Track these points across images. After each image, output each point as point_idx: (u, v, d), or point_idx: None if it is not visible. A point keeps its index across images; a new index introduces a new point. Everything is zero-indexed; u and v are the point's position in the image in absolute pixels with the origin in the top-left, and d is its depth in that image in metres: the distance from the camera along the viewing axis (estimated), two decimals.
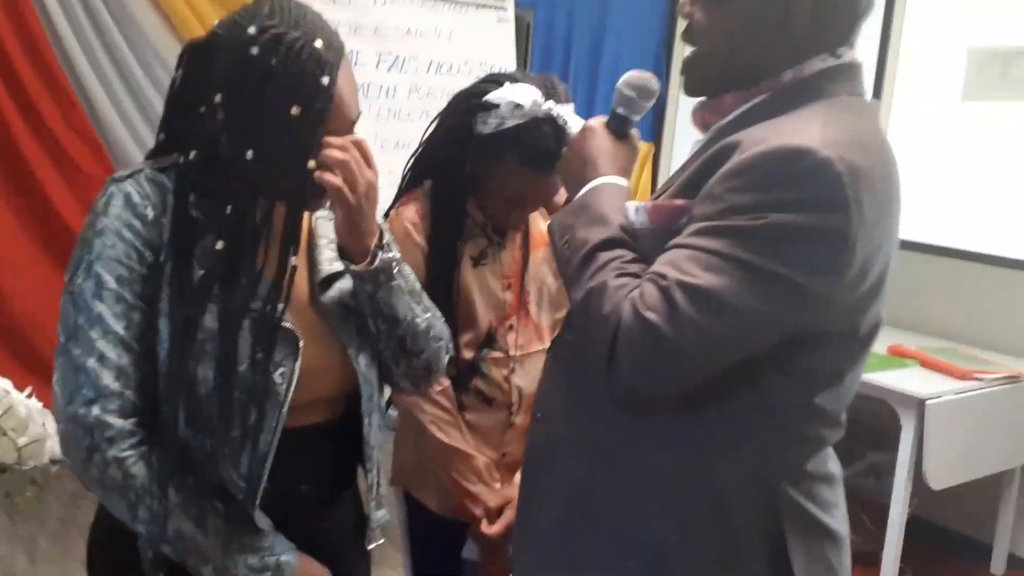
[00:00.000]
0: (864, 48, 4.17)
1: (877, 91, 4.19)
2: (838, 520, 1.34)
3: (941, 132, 3.98)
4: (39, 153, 3.89)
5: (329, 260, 1.42)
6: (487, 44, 3.44)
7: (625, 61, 4.89)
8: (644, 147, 4.96)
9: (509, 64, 3.43)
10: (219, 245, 1.25)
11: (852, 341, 1.25)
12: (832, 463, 1.36)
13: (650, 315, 1.12)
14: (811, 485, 1.30)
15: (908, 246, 3.87)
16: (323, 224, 1.45)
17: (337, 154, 1.27)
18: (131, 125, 3.94)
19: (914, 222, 4.00)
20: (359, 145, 1.31)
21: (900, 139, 4.19)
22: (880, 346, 3.49)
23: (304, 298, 1.39)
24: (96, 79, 3.94)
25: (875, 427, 3.62)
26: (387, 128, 3.23)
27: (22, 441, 1.49)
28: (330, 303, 1.40)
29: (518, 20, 4.16)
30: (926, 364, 3.42)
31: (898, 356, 3.52)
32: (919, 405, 3.11)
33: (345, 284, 1.41)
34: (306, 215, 1.41)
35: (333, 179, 1.27)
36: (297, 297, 1.36)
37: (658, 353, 1.13)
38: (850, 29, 1.27)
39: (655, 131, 5.05)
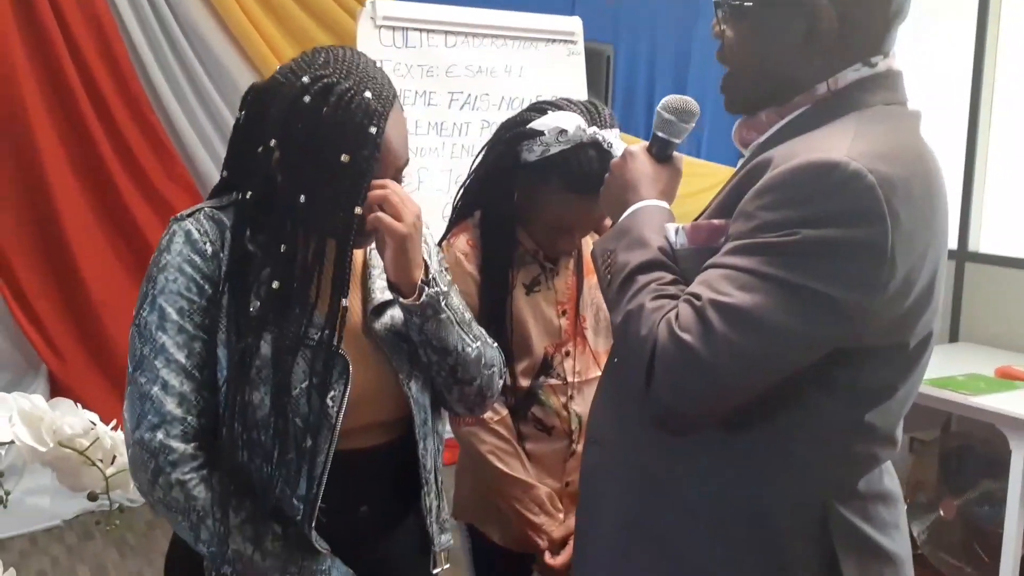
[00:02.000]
0: (959, 55, 4.03)
1: (975, 101, 4.04)
2: (898, 542, 1.30)
3: None
4: (140, 202, 4.14)
5: (382, 289, 1.46)
6: (557, 78, 3.46)
7: (711, 91, 4.83)
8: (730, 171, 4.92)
9: (580, 96, 3.44)
10: (275, 284, 1.31)
11: (900, 355, 1.22)
12: (889, 480, 1.32)
13: (685, 336, 1.12)
14: (865, 504, 1.26)
15: (1015, 263, 3.73)
16: (377, 254, 1.49)
17: (378, 192, 1.32)
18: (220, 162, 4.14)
19: None
20: (395, 186, 1.35)
21: (1005, 149, 4.04)
22: (988, 368, 3.37)
23: (357, 325, 1.43)
24: (191, 127, 4.17)
25: (987, 453, 3.46)
26: (461, 164, 3.27)
27: (109, 471, 1.54)
28: (382, 330, 1.44)
29: (597, 54, 4.18)
30: None
31: (1008, 378, 3.37)
32: None
33: (397, 312, 1.45)
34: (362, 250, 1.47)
35: (381, 216, 1.32)
36: (350, 324, 1.40)
37: (694, 373, 1.12)
38: (882, 36, 1.24)
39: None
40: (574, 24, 3.56)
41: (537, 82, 3.46)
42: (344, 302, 1.32)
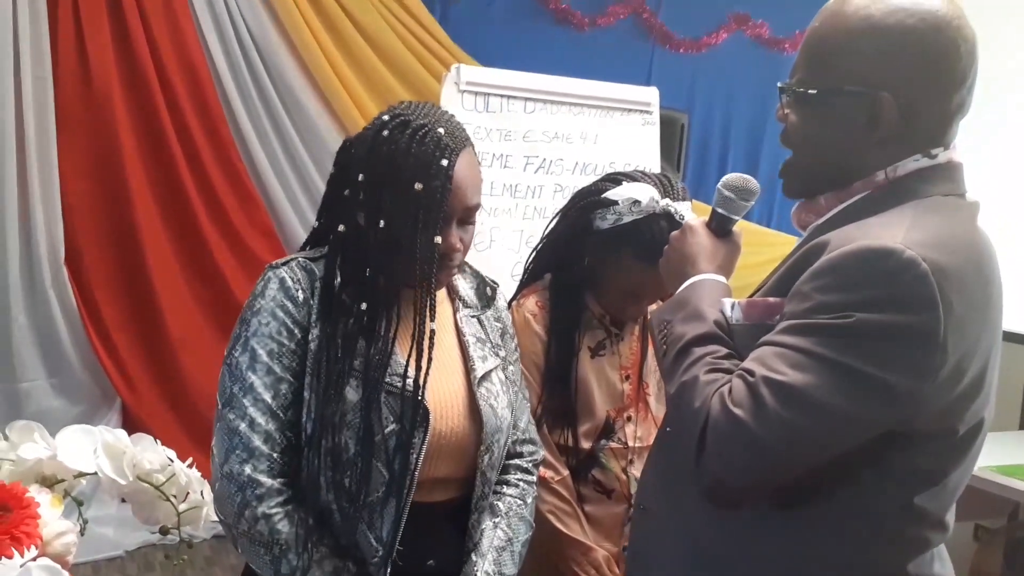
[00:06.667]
0: None
1: None
2: None
3: None
4: (223, 246, 4.26)
5: (481, 358, 1.53)
6: (631, 146, 3.51)
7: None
8: None
9: (653, 164, 3.48)
10: (363, 306, 1.39)
11: (950, 441, 1.23)
12: (940, 566, 1.31)
13: (737, 410, 1.14)
14: None
15: None
16: (467, 321, 1.56)
17: None
18: (305, 219, 4.26)
19: None
20: None
21: None
22: None
23: (456, 387, 1.50)
24: (276, 178, 4.30)
25: None
26: (532, 225, 3.33)
27: (182, 507, 1.60)
28: (480, 400, 1.50)
29: (672, 122, 4.22)
30: None
31: None
32: None
33: (492, 385, 1.52)
34: (451, 312, 1.54)
35: None
36: (452, 384, 1.48)
37: (744, 447, 1.15)
38: (943, 129, 1.27)
39: None
40: (651, 95, 3.62)
41: (611, 149, 3.51)
42: (432, 325, 1.40)
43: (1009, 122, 4.15)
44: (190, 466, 1.63)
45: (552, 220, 1.93)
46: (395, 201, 1.37)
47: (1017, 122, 4.19)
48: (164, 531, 1.63)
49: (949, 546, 1.34)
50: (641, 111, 3.57)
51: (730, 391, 1.16)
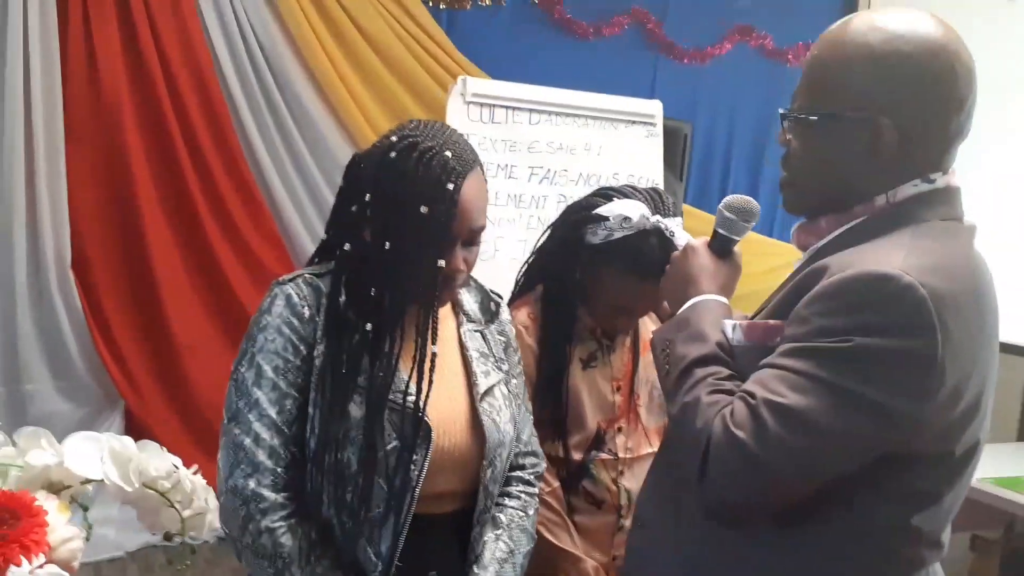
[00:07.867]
0: None
1: None
2: None
3: None
4: (230, 254, 4.27)
5: (484, 373, 1.55)
6: (635, 157, 3.54)
7: None
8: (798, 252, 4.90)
9: (656, 175, 3.51)
10: (368, 327, 1.40)
11: (947, 462, 1.25)
12: None
13: (739, 432, 1.17)
14: None
15: None
16: (471, 336, 1.58)
17: None
18: (312, 229, 4.28)
19: None
20: None
21: None
22: None
23: (458, 403, 1.52)
24: (283, 187, 4.32)
25: None
26: (536, 235, 3.32)
27: (186, 513, 1.62)
28: (483, 415, 1.52)
29: (675, 131, 4.25)
30: None
31: None
32: None
33: (495, 400, 1.54)
34: (454, 327, 1.56)
35: None
36: (455, 399, 1.50)
37: (746, 468, 1.17)
38: (942, 154, 1.29)
39: None
40: (654, 107, 3.64)
41: (615, 160, 3.54)
42: (433, 348, 1.41)
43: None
44: (195, 473, 1.66)
45: (543, 234, 1.96)
46: (401, 223, 1.38)
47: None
48: (168, 537, 1.66)
49: (946, 557, 1.36)
50: (645, 123, 3.60)
51: (732, 413, 1.19)
